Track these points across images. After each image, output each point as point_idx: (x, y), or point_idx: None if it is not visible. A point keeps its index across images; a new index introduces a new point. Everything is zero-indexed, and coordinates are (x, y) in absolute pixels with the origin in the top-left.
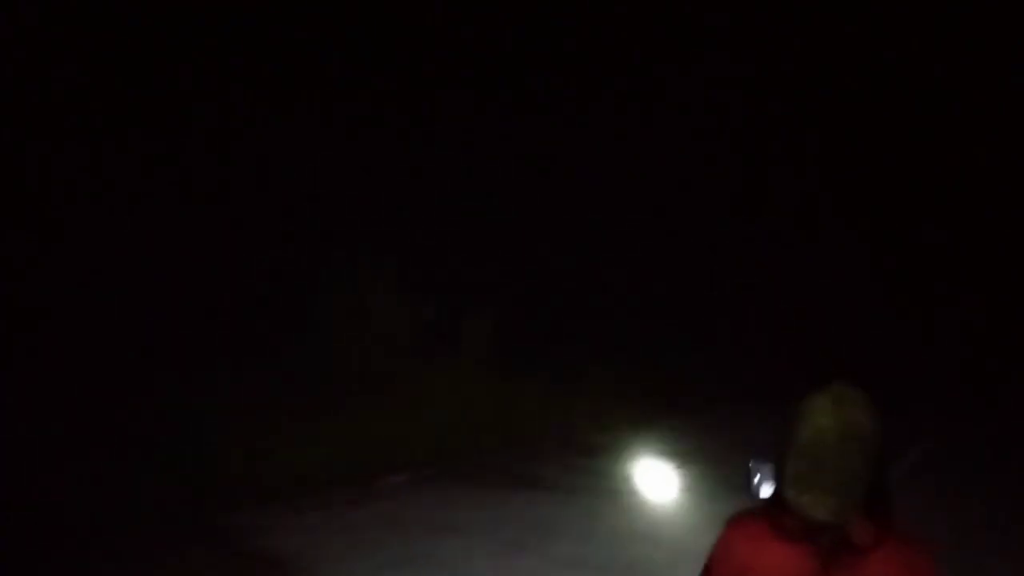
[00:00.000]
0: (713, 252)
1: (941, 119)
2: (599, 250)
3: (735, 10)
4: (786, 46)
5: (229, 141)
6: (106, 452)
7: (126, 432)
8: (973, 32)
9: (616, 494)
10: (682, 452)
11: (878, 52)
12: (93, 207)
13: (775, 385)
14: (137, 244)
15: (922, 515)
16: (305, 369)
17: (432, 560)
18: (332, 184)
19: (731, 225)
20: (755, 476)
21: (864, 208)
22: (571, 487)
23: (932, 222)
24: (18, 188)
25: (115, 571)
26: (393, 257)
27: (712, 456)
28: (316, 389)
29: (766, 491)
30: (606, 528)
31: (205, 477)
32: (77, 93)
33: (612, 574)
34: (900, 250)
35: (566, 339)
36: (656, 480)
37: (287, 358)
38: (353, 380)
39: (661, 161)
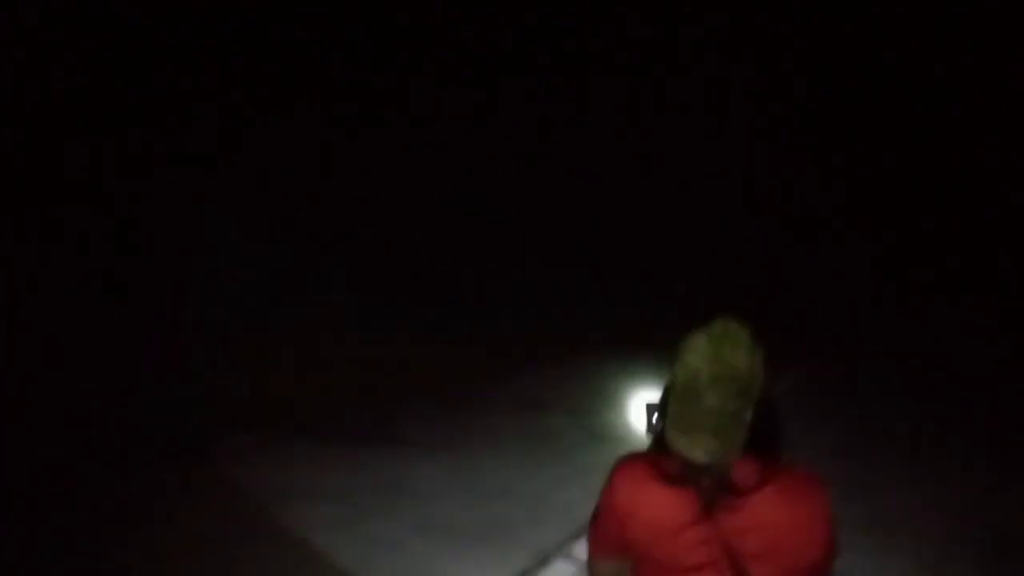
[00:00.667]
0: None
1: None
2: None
3: None
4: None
5: None
6: None
7: None
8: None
9: (477, 449)
10: (546, 401)
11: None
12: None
13: (655, 328)
14: None
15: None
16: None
17: (271, 530)
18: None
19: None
20: (651, 417)
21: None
22: (430, 444)
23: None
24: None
25: None
26: (240, 199)
27: (577, 404)
28: (147, 345)
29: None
30: (467, 487)
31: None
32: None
33: (467, 536)
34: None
35: (429, 290)
36: (519, 432)
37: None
38: (192, 332)
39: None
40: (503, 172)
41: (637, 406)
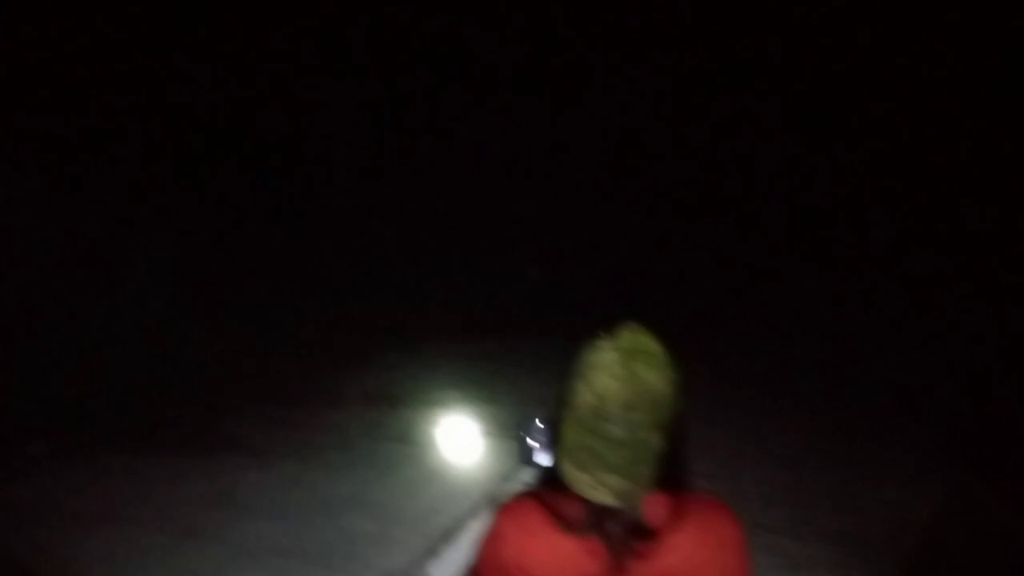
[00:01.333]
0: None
1: None
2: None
3: None
4: None
5: None
6: None
7: None
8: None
9: (321, 452)
10: (396, 395)
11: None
12: None
13: (512, 315)
14: None
15: None
16: None
17: (64, 561)
18: None
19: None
20: (529, 442)
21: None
22: (267, 448)
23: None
24: None
25: None
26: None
27: (435, 398)
28: None
29: (544, 461)
30: (308, 497)
31: None
32: None
33: (303, 559)
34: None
35: (262, 276)
36: (367, 431)
37: None
38: None
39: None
40: (347, 154)
41: (499, 400)
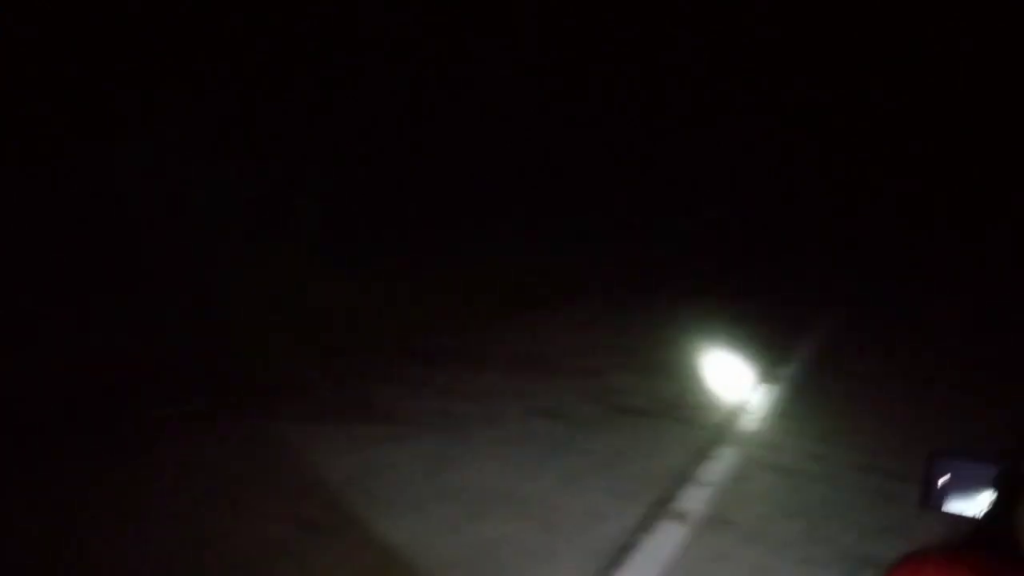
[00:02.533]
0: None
1: None
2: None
3: None
4: None
5: None
6: None
7: None
8: None
9: (464, 425)
10: (548, 358)
11: None
12: None
13: (650, 272)
14: None
15: None
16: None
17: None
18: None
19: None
20: (939, 478)
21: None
22: (405, 416)
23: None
24: None
25: None
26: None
27: (592, 364)
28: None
29: (961, 506)
30: (455, 486)
31: None
32: None
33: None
34: None
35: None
36: (517, 400)
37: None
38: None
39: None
40: None
41: (671, 373)
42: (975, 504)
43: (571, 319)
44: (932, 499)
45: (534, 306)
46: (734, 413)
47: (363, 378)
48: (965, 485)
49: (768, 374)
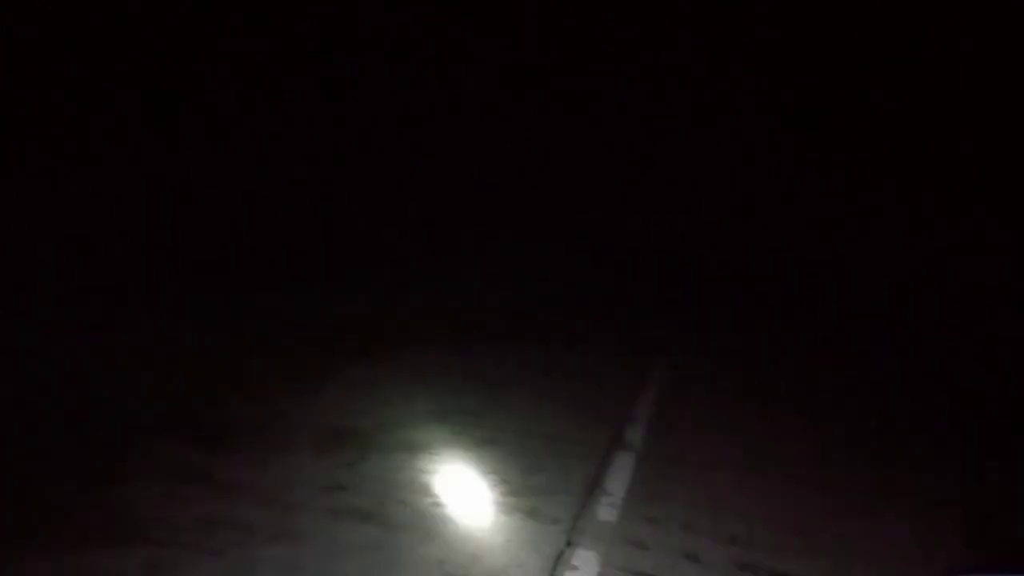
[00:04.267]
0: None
1: None
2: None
3: None
4: None
5: None
6: None
7: None
8: None
9: (253, 541)
10: (365, 433)
11: None
12: None
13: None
14: None
15: None
16: None
17: None
18: None
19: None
20: None
21: None
22: (173, 535)
23: None
24: None
25: None
26: None
27: (415, 436)
28: None
29: None
30: None
31: None
32: None
33: None
34: None
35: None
36: (322, 498)
37: None
38: None
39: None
40: None
41: (501, 436)
42: None
43: (399, 375)
44: None
45: (357, 361)
46: (590, 496)
47: (115, 474)
48: None
49: (616, 441)
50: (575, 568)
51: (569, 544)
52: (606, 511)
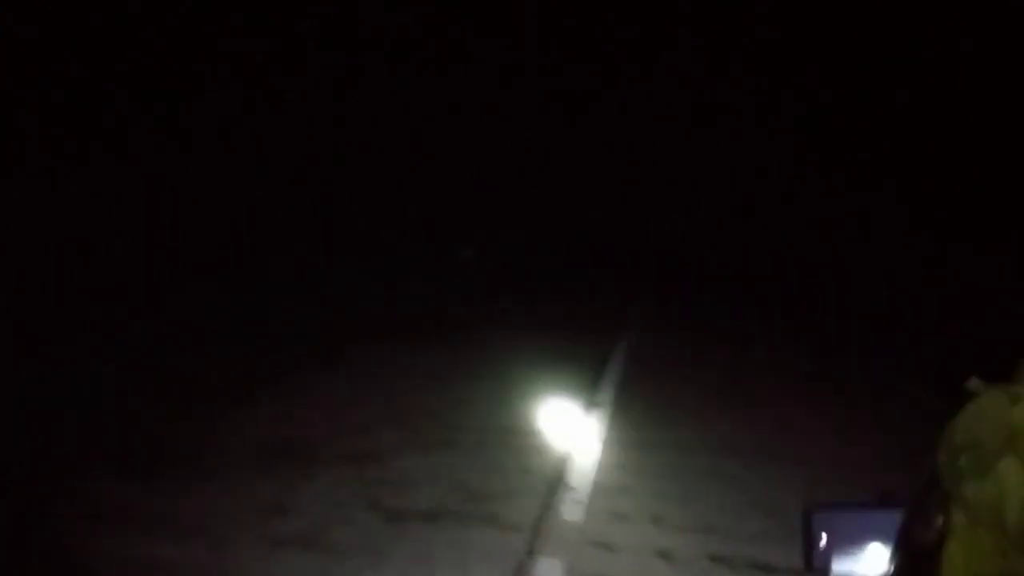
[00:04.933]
0: None
1: None
2: None
3: None
4: None
5: None
6: None
7: None
8: None
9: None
10: (304, 455)
11: None
12: None
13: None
14: None
15: None
16: None
17: None
18: None
19: None
20: (820, 535)
21: None
22: (98, 568)
23: None
24: None
25: None
26: None
27: (366, 448)
28: None
29: (851, 565)
30: None
31: None
32: None
33: None
34: None
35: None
36: (262, 525)
37: None
38: None
39: None
40: None
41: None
42: (866, 560)
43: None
44: (817, 560)
45: (290, 371)
46: (553, 496)
47: (28, 514)
48: (851, 540)
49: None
50: None
51: (531, 553)
52: (572, 510)
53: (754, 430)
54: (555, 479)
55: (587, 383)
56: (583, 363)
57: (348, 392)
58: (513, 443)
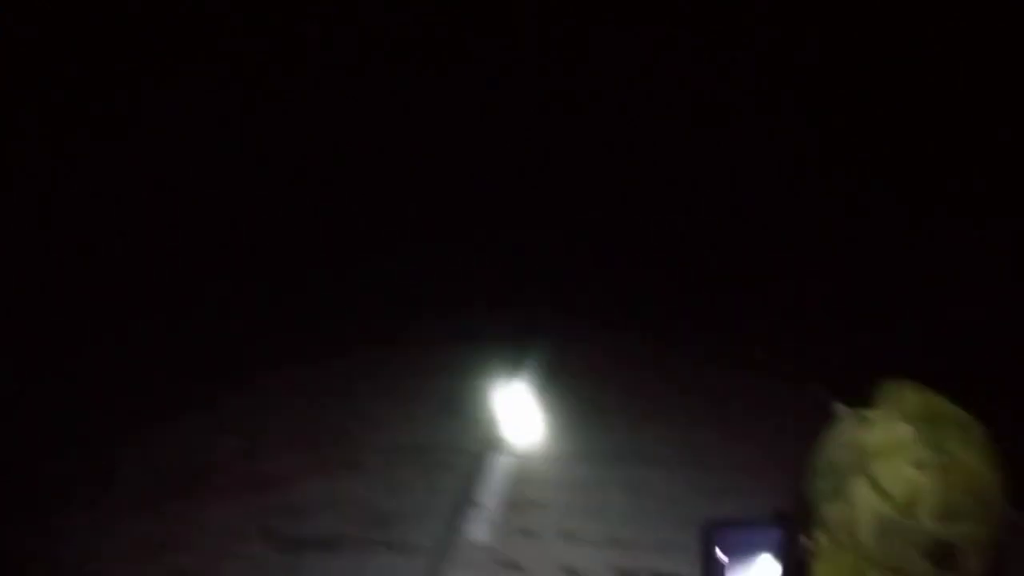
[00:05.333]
0: None
1: None
2: None
3: None
4: None
5: None
6: None
7: None
8: None
9: None
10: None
11: None
12: None
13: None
14: None
15: None
16: None
17: None
18: None
19: None
20: (716, 550)
21: None
22: None
23: None
24: None
25: None
26: None
27: (267, 471)
28: None
29: None
30: None
31: None
32: None
33: None
34: None
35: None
36: (150, 563)
37: None
38: None
39: None
40: None
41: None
42: (758, 573)
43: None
44: (713, 573)
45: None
46: (459, 516)
47: None
48: (745, 554)
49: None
50: None
51: None
52: (480, 529)
53: (671, 440)
54: (463, 498)
55: (501, 396)
56: (498, 375)
57: (251, 415)
58: (421, 461)
